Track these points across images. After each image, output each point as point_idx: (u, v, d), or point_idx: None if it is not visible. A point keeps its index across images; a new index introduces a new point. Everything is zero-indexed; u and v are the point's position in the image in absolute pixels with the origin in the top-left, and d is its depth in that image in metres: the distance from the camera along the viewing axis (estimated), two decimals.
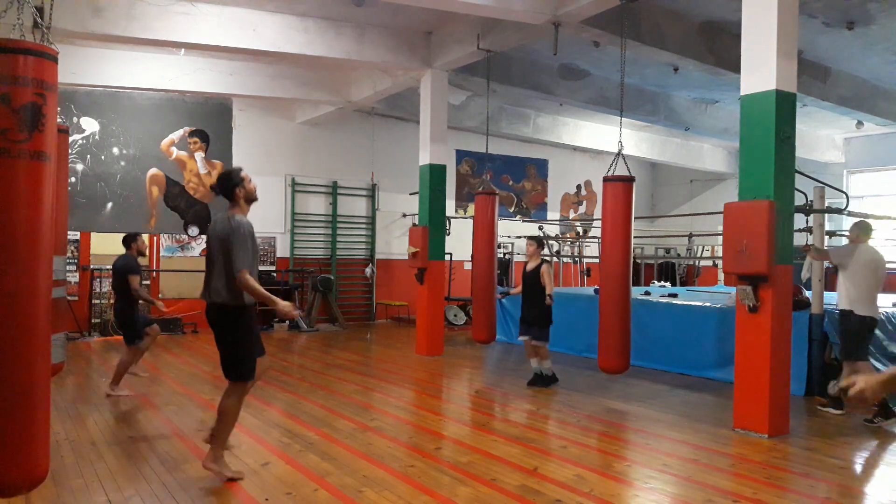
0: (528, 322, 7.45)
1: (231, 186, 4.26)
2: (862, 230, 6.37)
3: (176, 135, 12.25)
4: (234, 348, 4.22)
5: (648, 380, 7.81)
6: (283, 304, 4.21)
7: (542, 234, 13.18)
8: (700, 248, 15.68)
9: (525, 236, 9.38)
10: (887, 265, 6.46)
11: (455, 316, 13.25)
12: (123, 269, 6.76)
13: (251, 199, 4.32)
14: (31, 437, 3.03)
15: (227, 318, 4.19)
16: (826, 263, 6.85)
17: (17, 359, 2.98)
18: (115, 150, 11.75)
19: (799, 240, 7.52)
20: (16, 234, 2.97)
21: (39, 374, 3.06)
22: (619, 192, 6.78)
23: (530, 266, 7.52)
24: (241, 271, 4.05)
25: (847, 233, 6.78)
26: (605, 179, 6.91)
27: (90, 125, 11.54)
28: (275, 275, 12.90)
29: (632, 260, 6.93)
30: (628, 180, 6.79)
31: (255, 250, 4.21)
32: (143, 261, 7.73)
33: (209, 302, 4.23)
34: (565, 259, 15.46)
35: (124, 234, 7.06)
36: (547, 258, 7.88)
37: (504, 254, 14.32)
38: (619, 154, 6.98)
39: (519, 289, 7.78)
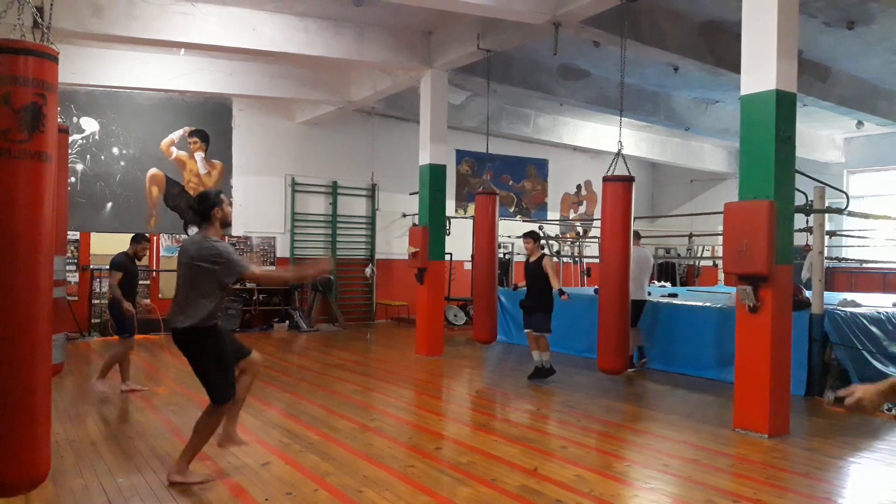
0: (529, 310, 7.46)
1: (209, 206, 4.19)
2: (634, 236, 7.99)
3: (176, 135, 12.26)
4: (206, 372, 4.17)
5: (648, 380, 7.81)
6: (314, 269, 4.45)
7: (538, 230, 13.16)
8: (700, 248, 15.66)
9: (523, 236, 9.38)
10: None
11: (455, 316, 13.25)
12: (110, 264, 7.00)
13: (226, 222, 4.29)
14: (32, 437, 3.03)
15: (190, 342, 4.12)
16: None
17: (18, 358, 2.98)
18: (115, 150, 11.75)
19: (799, 240, 7.55)
20: (17, 234, 2.97)
21: (40, 374, 3.06)
22: (618, 191, 6.78)
23: (532, 259, 7.62)
24: (249, 271, 4.14)
25: (846, 233, 6.89)
26: (605, 179, 6.91)
27: (90, 125, 11.55)
28: None
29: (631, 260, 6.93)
30: (628, 180, 6.79)
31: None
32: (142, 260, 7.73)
33: (172, 328, 4.15)
34: (565, 259, 15.46)
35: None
36: (547, 255, 7.90)
37: (504, 254, 14.32)
38: (618, 154, 6.98)
39: (524, 282, 7.82)
